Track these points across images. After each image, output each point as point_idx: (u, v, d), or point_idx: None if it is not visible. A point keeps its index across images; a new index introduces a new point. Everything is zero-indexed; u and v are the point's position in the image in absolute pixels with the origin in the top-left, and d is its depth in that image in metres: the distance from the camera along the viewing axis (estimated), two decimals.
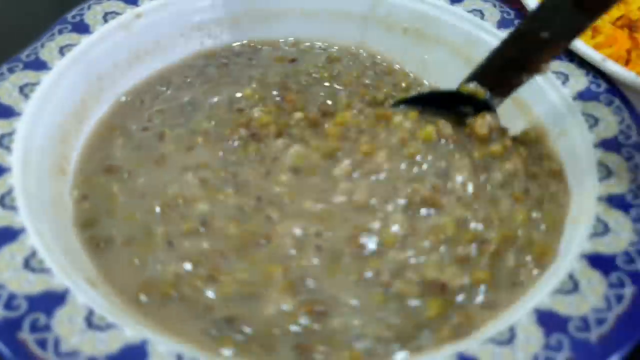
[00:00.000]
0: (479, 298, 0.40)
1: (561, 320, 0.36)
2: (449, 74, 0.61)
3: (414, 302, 0.39)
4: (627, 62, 0.64)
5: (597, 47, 0.64)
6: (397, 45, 0.64)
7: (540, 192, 0.47)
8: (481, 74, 0.52)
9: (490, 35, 0.59)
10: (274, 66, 0.61)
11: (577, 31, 0.46)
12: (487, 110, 0.51)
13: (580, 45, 0.54)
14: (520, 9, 0.61)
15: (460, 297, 0.40)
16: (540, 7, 0.47)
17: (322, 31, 0.65)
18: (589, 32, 0.65)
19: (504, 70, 0.51)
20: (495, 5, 0.61)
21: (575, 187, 0.47)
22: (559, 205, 0.46)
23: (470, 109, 0.52)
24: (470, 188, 0.46)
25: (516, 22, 0.60)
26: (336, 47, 0.65)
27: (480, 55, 0.59)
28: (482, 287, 0.41)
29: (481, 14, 0.61)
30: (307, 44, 0.65)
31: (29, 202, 0.40)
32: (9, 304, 0.34)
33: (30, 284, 0.35)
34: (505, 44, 0.50)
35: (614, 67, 0.52)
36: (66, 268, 0.37)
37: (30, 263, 0.36)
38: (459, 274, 0.40)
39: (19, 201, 0.40)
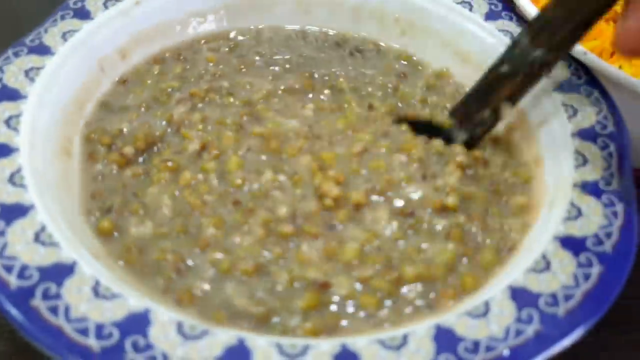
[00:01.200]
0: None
1: (532, 296, 0.38)
2: (439, 65, 0.64)
3: None
4: (612, 55, 0.67)
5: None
6: (388, 35, 0.66)
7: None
8: (456, 106, 0.55)
9: (477, 27, 0.62)
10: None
11: (534, 67, 0.48)
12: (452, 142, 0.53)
13: None
14: (507, 2, 0.63)
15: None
16: (509, 45, 0.49)
17: (314, 21, 0.67)
18: None
19: (468, 104, 0.53)
20: None
21: (553, 174, 0.49)
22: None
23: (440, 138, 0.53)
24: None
25: (503, 14, 0.62)
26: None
27: (468, 46, 0.62)
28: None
29: (470, 5, 0.63)
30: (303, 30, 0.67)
31: (36, 180, 0.43)
32: (22, 274, 0.37)
33: (40, 256, 0.38)
34: (480, 78, 0.52)
35: (594, 60, 0.55)
36: (73, 242, 0.40)
37: (40, 237, 0.39)
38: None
39: (27, 180, 0.42)
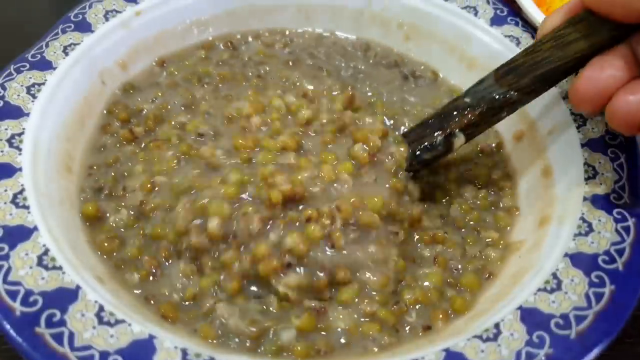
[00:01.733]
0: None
1: (544, 317, 0.38)
2: (444, 69, 0.63)
3: None
4: None
5: None
6: (392, 39, 0.65)
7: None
8: (410, 129, 0.53)
9: (482, 32, 0.61)
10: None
11: (495, 103, 0.47)
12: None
13: None
14: (512, 6, 0.62)
15: None
16: (477, 81, 0.49)
17: (318, 25, 0.66)
18: None
19: (424, 127, 0.51)
20: (488, 2, 0.63)
21: (562, 186, 0.49)
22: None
23: None
24: None
25: (509, 19, 0.61)
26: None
27: (473, 51, 0.61)
28: None
29: (475, 10, 0.62)
30: (304, 37, 0.66)
31: (39, 200, 0.42)
32: (26, 300, 0.36)
33: (44, 281, 0.37)
34: (442, 107, 0.51)
35: None
36: (76, 265, 0.39)
37: (44, 260, 0.38)
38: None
39: (30, 200, 0.42)
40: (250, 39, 0.65)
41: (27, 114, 0.47)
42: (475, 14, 0.62)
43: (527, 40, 0.59)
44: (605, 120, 0.41)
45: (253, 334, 0.40)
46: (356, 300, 0.43)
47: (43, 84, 0.49)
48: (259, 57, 0.63)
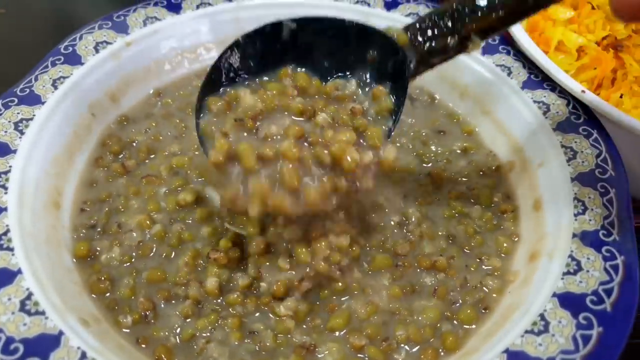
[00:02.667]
0: None
1: None
2: (437, 96, 0.63)
3: None
4: (612, 82, 0.66)
5: (582, 69, 0.66)
6: None
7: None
8: (415, 24, 0.47)
9: (474, 61, 0.61)
10: None
11: (521, 7, 0.44)
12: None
13: (562, 75, 0.56)
14: (504, 34, 0.62)
15: None
16: None
17: None
18: (574, 54, 0.67)
19: (433, 26, 0.46)
20: None
21: (552, 220, 0.48)
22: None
23: (378, 53, 0.48)
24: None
25: (501, 47, 0.61)
26: None
27: (464, 79, 0.61)
28: None
29: None
30: None
31: (24, 241, 0.42)
32: (6, 348, 0.36)
33: (26, 327, 0.37)
34: (454, 2, 0.46)
35: (592, 99, 0.54)
36: (60, 308, 0.39)
37: (26, 305, 0.38)
38: None
39: (15, 241, 0.42)
40: None
41: (14, 151, 0.47)
42: None
43: (518, 70, 0.59)
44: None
45: None
46: (345, 331, 0.43)
47: (31, 119, 0.49)
48: None
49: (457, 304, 0.46)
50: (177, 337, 0.43)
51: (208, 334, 0.43)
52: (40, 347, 0.36)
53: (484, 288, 0.47)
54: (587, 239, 0.45)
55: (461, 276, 0.48)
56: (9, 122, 0.49)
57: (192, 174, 0.53)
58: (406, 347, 0.43)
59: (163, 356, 0.41)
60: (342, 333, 0.44)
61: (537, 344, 0.38)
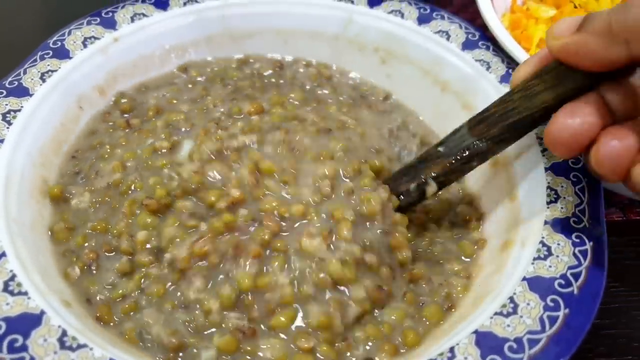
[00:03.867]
0: None
1: (498, 341, 0.39)
2: (419, 93, 0.65)
3: None
4: None
5: None
6: (368, 62, 0.67)
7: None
8: (392, 175, 0.53)
9: (454, 56, 0.62)
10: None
11: (467, 153, 0.48)
12: None
13: None
14: (486, 32, 0.63)
15: None
16: (452, 132, 0.50)
17: (295, 50, 0.68)
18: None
19: (401, 175, 0.52)
20: (461, 27, 0.64)
21: (526, 209, 0.50)
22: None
23: None
24: None
25: (480, 43, 0.63)
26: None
27: (445, 75, 0.63)
28: None
29: (447, 35, 0.63)
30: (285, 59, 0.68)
31: (9, 226, 0.43)
32: None
33: (9, 306, 0.38)
34: (418, 156, 0.52)
35: None
36: (43, 290, 0.40)
37: (9, 286, 0.39)
38: None
39: (0, 225, 0.43)
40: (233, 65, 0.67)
41: (2, 141, 0.48)
42: (448, 39, 0.63)
43: (497, 65, 0.60)
44: (592, 167, 0.40)
45: (172, 345, 0.41)
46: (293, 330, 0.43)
47: (19, 110, 0.51)
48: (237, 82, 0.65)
49: (422, 305, 0.47)
50: (107, 294, 0.44)
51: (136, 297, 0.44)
52: (22, 325, 0.37)
53: (449, 285, 0.48)
54: (558, 225, 0.46)
55: (428, 281, 0.49)
56: None
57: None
58: (368, 344, 0.43)
59: (104, 315, 0.43)
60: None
61: (506, 325, 0.40)
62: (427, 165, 0.50)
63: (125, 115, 0.58)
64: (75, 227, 0.49)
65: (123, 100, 0.59)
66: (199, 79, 0.64)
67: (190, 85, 0.63)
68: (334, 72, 0.68)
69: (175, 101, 0.60)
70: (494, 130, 0.46)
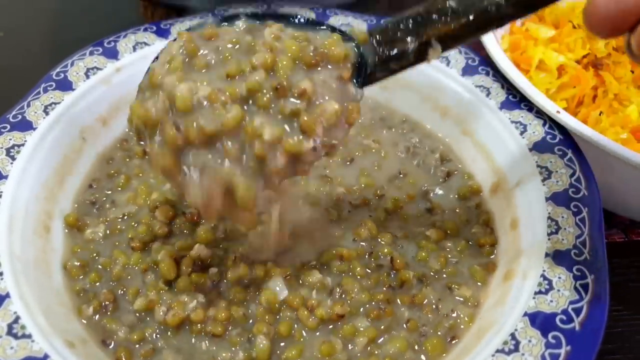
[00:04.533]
0: None
1: None
2: (419, 117, 0.65)
3: None
4: (594, 99, 0.67)
5: (562, 87, 0.67)
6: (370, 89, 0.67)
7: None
8: (378, 27, 0.45)
9: (454, 82, 0.62)
10: None
11: (486, 16, 0.41)
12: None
13: (538, 96, 0.57)
14: (485, 57, 0.64)
15: None
16: None
17: None
18: (555, 72, 0.68)
19: (395, 29, 0.44)
20: (461, 52, 0.64)
21: (527, 240, 0.50)
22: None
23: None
24: None
25: (480, 68, 0.63)
26: None
27: (445, 100, 0.63)
28: None
29: (447, 60, 0.64)
30: None
31: (13, 265, 0.44)
32: None
33: (13, 350, 0.39)
34: (422, 6, 0.44)
35: (567, 119, 0.55)
36: (47, 331, 0.40)
37: (13, 329, 0.40)
38: None
39: (4, 266, 0.43)
40: None
41: (6, 177, 0.49)
42: (448, 64, 0.63)
43: (497, 90, 0.61)
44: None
45: None
46: None
47: (23, 145, 0.51)
48: None
49: (425, 336, 0.47)
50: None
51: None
52: None
53: (454, 315, 0.48)
54: (559, 258, 0.46)
55: (434, 308, 0.49)
56: (1, 148, 0.50)
57: None
58: None
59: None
60: None
61: None
62: (433, 22, 0.42)
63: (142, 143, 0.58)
64: (88, 263, 0.50)
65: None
66: None
67: None
68: None
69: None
70: None
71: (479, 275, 0.51)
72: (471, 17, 0.41)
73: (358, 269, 0.50)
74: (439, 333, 0.47)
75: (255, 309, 0.47)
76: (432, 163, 0.61)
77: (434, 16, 0.42)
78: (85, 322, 0.46)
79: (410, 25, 0.43)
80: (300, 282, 0.49)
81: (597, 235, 0.47)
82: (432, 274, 0.51)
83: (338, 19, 0.67)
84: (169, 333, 0.46)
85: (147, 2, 0.74)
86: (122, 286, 0.49)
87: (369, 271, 0.51)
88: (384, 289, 0.49)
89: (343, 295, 0.48)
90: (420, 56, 0.44)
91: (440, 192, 0.59)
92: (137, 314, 0.47)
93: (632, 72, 0.69)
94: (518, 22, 0.76)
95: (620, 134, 0.63)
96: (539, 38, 0.73)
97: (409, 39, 0.43)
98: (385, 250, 0.52)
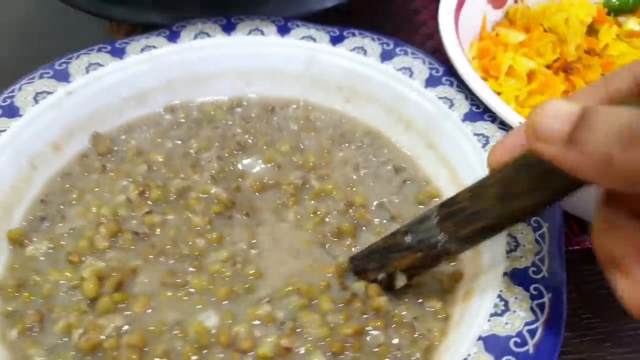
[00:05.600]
0: None
1: None
2: (384, 131, 0.63)
3: None
4: None
5: (531, 94, 0.66)
6: (334, 101, 0.66)
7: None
8: (358, 255, 0.50)
9: (417, 94, 0.61)
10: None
11: (435, 250, 0.43)
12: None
13: (500, 106, 0.56)
14: (451, 67, 0.62)
15: None
16: (420, 217, 0.45)
17: (259, 90, 0.67)
18: (524, 78, 0.67)
19: (368, 259, 0.49)
20: (425, 62, 0.63)
21: (487, 257, 0.48)
22: None
23: None
24: None
25: (444, 79, 0.61)
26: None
27: (409, 113, 0.62)
28: None
29: (410, 71, 0.62)
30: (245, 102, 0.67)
31: None
32: None
33: None
34: (386, 237, 0.48)
35: None
36: None
37: None
38: None
39: None
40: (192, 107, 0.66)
41: None
42: (411, 75, 0.62)
43: (460, 102, 0.59)
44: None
45: None
46: None
47: None
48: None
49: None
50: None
51: None
52: None
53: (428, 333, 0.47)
54: (517, 277, 0.45)
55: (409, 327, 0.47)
56: None
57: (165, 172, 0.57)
58: None
59: None
60: None
61: None
62: (394, 256, 0.46)
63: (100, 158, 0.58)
64: (25, 282, 0.48)
65: (102, 146, 0.59)
66: (182, 119, 0.64)
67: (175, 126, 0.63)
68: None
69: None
70: (465, 231, 0.41)
71: (446, 283, 0.50)
72: (426, 252, 0.44)
73: (326, 303, 0.48)
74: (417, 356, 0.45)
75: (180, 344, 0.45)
76: (385, 175, 0.60)
77: (395, 250, 0.46)
78: (7, 347, 0.44)
79: (378, 257, 0.48)
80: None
81: (557, 252, 0.46)
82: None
83: (300, 32, 0.66)
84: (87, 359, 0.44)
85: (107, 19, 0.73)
86: (50, 306, 0.46)
87: (341, 305, 0.48)
88: (356, 320, 0.47)
89: (298, 330, 0.46)
90: (390, 285, 0.48)
91: (397, 200, 0.57)
92: (60, 337, 0.45)
93: (603, 75, 0.68)
94: (489, 27, 0.75)
95: None
96: (509, 43, 0.71)
97: (378, 269, 0.48)
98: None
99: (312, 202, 0.56)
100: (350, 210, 0.55)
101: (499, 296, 0.44)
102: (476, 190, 0.40)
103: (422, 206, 0.57)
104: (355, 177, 0.59)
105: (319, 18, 0.68)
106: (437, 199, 0.57)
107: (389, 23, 0.84)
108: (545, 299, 0.43)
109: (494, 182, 0.39)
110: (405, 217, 0.55)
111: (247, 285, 0.49)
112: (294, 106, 0.66)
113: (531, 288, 0.44)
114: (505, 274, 0.45)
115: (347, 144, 0.63)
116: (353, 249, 0.52)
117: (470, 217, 0.40)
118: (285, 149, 0.61)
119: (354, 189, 0.58)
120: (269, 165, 0.60)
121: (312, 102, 0.67)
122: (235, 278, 0.49)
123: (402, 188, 0.59)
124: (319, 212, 0.55)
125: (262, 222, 0.55)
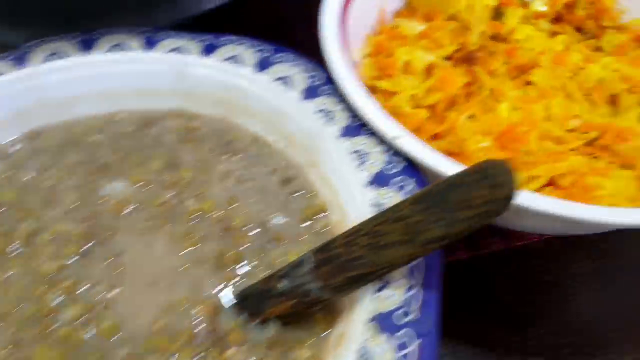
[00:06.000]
0: None
1: None
2: (272, 140, 0.58)
3: None
4: (468, 97, 0.61)
5: (429, 91, 0.61)
6: (215, 112, 0.60)
7: None
8: (244, 293, 0.46)
9: (294, 107, 0.55)
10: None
11: (308, 298, 0.42)
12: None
13: (375, 119, 0.51)
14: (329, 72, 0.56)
15: None
16: (297, 261, 0.43)
17: (130, 107, 0.60)
18: (422, 74, 0.62)
19: (251, 299, 0.46)
20: (305, 70, 0.57)
21: (359, 295, 0.44)
22: None
23: None
24: None
25: (324, 88, 0.56)
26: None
27: (287, 127, 0.56)
28: None
29: (287, 82, 0.56)
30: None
31: None
32: None
33: None
34: (265, 278, 0.45)
35: (406, 145, 0.49)
36: None
37: None
38: None
39: None
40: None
41: None
42: (287, 87, 0.56)
43: (340, 114, 0.54)
44: None
45: None
46: None
47: None
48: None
49: None
50: None
51: None
52: None
53: None
54: (384, 321, 0.40)
55: None
56: None
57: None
58: None
59: None
60: None
61: None
62: (269, 302, 0.44)
63: None
64: None
65: None
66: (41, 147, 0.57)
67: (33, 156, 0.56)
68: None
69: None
70: (338, 279, 0.40)
71: (319, 325, 0.45)
72: (299, 300, 0.42)
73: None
74: None
75: None
76: (271, 188, 0.55)
77: (270, 296, 0.44)
78: None
79: (255, 301, 0.45)
80: None
81: (433, 285, 0.41)
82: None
83: (168, 43, 0.60)
84: None
85: None
86: None
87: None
88: None
89: None
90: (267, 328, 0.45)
91: (281, 218, 0.52)
92: None
93: (506, 63, 0.63)
94: (389, 18, 0.69)
95: (481, 143, 0.57)
96: (408, 35, 0.66)
97: (255, 314, 0.45)
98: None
99: (186, 224, 0.51)
100: (228, 233, 0.50)
101: (364, 347, 0.39)
102: (351, 236, 0.40)
103: (308, 223, 0.52)
104: (237, 193, 0.54)
105: (211, 22, 0.62)
106: (324, 214, 0.52)
107: (285, 23, 0.78)
108: (415, 346, 0.38)
109: (367, 231, 0.39)
110: (287, 238, 0.51)
111: (100, 353, 0.43)
112: (173, 117, 0.60)
113: (399, 334, 0.39)
114: (372, 319, 0.40)
115: (230, 154, 0.57)
116: (232, 280, 0.48)
117: (343, 265, 0.40)
118: (157, 166, 0.55)
119: (235, 205, 0.53)
120: (135, 185, 0.54)
121: (192, 112, 0.61)
122: (89, 341, 0.44)
123: (288, 203, 0.54)
124: (191, 236, 0.50)
125: (126, 249, 0.49)
